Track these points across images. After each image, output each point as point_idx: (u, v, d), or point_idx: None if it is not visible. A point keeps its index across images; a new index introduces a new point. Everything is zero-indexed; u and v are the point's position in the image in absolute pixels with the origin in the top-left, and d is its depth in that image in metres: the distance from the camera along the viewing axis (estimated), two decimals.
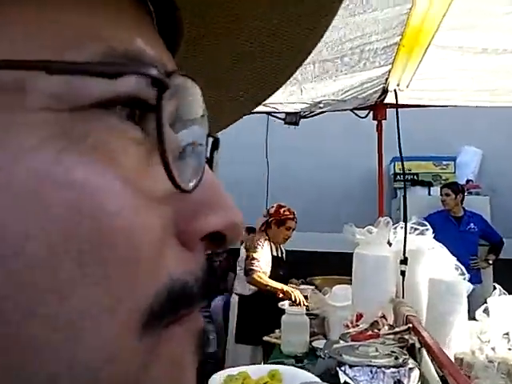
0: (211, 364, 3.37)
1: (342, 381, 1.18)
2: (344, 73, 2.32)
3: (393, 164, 4.76)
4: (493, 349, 1.44)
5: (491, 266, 4.12)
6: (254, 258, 3.00)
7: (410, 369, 1.20)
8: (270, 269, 3.09)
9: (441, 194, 4.13)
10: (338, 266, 3.60)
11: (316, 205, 5.09)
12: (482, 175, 4.93)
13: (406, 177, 4.41)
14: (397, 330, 1.53)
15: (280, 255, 3.30)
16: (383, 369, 1.19)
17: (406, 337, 1.44)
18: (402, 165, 2.35)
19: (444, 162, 4.77)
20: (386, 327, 1.64)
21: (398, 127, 2.28)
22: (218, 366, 2.75)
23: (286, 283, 3.06)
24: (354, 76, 2.38)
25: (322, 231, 4.93)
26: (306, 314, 2.27)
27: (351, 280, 2.07)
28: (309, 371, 1.74)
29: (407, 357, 1.26)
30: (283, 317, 2.23)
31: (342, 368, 1.21)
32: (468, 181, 4.71)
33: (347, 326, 1.94)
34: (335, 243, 4.97)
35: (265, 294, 3.00)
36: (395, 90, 2.52)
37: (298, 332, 2.17)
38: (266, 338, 2.48)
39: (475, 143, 4.89)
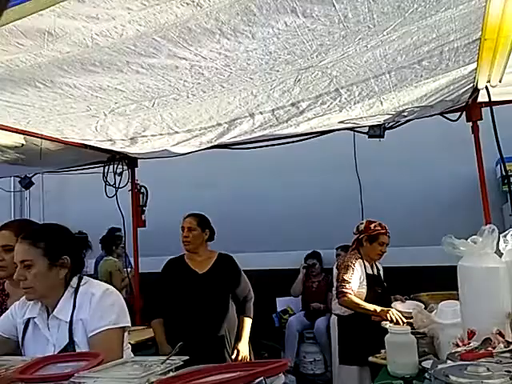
0: None
1: None
2: (425, 77, 2.22)
3: (499, 166, 4.33)
4: None
5: None
6: (344, 280, 2.93)
7: None
8: (365, 288, 2.99)
9: None
10: (443, 280, 3.36)
11: (413, 218, 4.82)
12: None
13: None
14: None
15: (376, 273, 3.18)
16: None
17: None
18: (503, 167, 2.15)
19: None
20: (502, 345, 1.48)
21: (494, 126, 2.11)
22: None
23: (385, 301, 2.92)
24: (437, 79, 2.27)
25: (422, 245, 4.64)
26: (413, 333, 2.13)
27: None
28: None
29: None
30: (387, 336, 2.12)
31: None
32: None
33: (457, 344, 1.80)
34: (437, 257, 4.65)
35: (361, 314, 2.89)
36: (487, 87, 2.34)
37: (404, 352, 2.04)
38: (371, 359, 2.37)
39: None
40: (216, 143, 2.88)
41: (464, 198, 4.48)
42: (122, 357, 1.46)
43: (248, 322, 2.84)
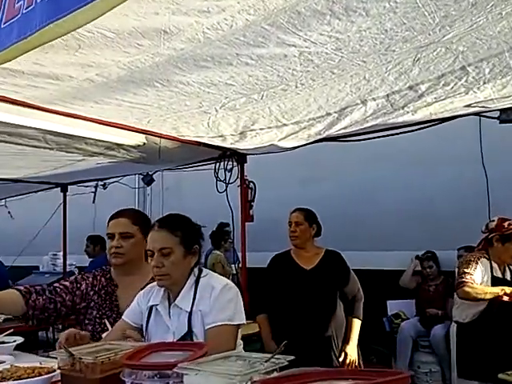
0: None
1: None
2: None
3: None
4: None
5: None
6: (464, 272, 2.66)
7: None
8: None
9: None
10: None
11: None
12: None
13: None
14: None
15: (509, 278, 2.79)
16: None
17: None
18: None
19: None
20: None
21: None
22: None
23: None
24: None
25: None
26: None
27: None
28: None
29: None
30: None
31: None
32: None
33: None
34: None
35: (486, 321, 2.61)
36: None
37: None
38: (502, 376, 2.09)
39: None
40: (325, 135, 2.78)
41: None
42: None
43: (357, 324, 2.70)
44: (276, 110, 2.31)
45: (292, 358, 1.06)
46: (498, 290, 2.60)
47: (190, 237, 1.63)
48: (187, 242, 1.60)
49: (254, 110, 2.31)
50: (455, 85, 2.11)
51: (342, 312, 2.71)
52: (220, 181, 3.92)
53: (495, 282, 2.71)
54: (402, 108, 2.40)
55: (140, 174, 4.99)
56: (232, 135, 2.82)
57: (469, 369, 2.74)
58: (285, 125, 2.53)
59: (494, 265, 2.76)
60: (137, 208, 7.95)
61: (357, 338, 2.70)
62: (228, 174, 3.95)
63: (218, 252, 5.04)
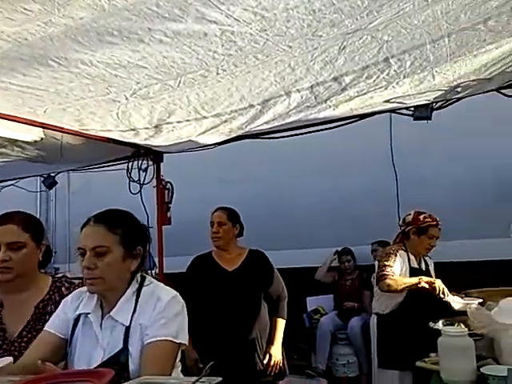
0: None
1: None
2: (488, 42, 1.92)
3: None
4: None
5: None
6: (385, 265, 2.69)
7: None
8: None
9: None
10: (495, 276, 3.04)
11: (457, 211, 4.46)
12: None
13: None
14: None
15: (424, 268, 2.89)
16: None
17: None
18: None
19: None
20: None
21: None
22: None
23: (433, 300, 2.64)
24: (501, 44, 1.97)
25: (467, 238, 4.28)
26: (469, 335, 1.86)
27: None
28: None
29: None
30: (440, 339, 1.88)
31: None
32: None
33: None
34: (487, 250, 4.28)
35: (405, 312, 2.67)
36: None
37: (462, 357, 1.79)
38: (419, 364, 2.10)
39: None
40: (247, 129, 2.64)
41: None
42: (171, 375, 1.25)
43: (281, 324, 2.63)
44: (195, 100, 2.10)
45: (219, 380, 0.87)
46: (416, 279, 2.66)
47: (132, 236, 1.38)
48: (128, 242, 1.36)
49: (171, 100, 2.08)
50: (377, 78, 2.09)
51: (267, 313, 2.63)
52: (133, 181, 3.61)
53: (413, 272, 2.78)
54: (325, 101, 2.33)
55: (40, 175, 4.42)
56: (146, 129, 2.55)
57: (389, 359, 2.79)
58: (205, 117, 2.33)
59: (411, 256, 2.84)
60: (38, 215, 7.14)
61: (281, 338, 2.63)
62: (143, 174, 3.66)
63: None
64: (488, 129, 4.22)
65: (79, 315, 1.38)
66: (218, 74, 1.85)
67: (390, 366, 2.79)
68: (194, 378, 0.85)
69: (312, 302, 4.85)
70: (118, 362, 1.25)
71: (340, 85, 2.09)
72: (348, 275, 4.67)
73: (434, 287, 2.60)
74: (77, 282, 1.63)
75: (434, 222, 2.82)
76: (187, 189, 4.36)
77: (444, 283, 2.73)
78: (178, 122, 2.39)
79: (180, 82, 1.89)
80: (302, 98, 2.19)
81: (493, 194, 4.40)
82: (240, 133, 2.73)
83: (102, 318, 1.36)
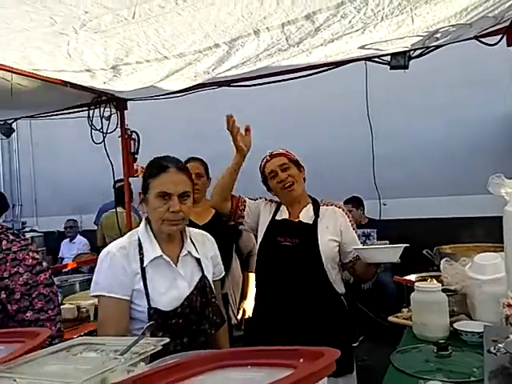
0: None
1: None
2: None
3: None
4: None
5: None
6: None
7: None
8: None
9: None
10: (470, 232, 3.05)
11: (437, 167, 4.44)
12: None
13: None
14: None
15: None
16: None
17: None
18: None
19: None
20: None
21: None
22: None
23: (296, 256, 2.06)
24: None
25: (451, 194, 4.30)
26: (442, 290, 1.85)
27: (498, 247, 1.61)
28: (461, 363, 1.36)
29: None
30: (413, 294, 1.87)
31: None
32: None
33: (508, 305, 1.50)
34: (470, 207, 4.31)
35: None
36: None
37: (435, 313, 1.79)
38: (392, 319, 2.09)
39: None
40: (214, 74, 2.45)
41: (495, 143, 4.08)
42: None
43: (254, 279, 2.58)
44: (154, 36, 1.89)
45: (167, 340, 0.78)
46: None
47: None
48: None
49: (126, 35, 1.87)
50: (353, 18, 1.93)
51: (239, 267, 2.59)
52: (96, 130, 3.39)
53: (274, 223, 2.14)
54: (298, 45, 2.16)
55: None
56: (103, 70, 2.32)
57: None
58: (166, 57, 2.13)
59: (286, 209, 2.22)
60: (1, 166, 6.79)
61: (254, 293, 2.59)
62: (106, 123, 3.44)
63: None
64: (466, 81, 4.14)
65: (154, 259, 1.47)
66: (177, 4, 1.65)
67: None
68: (130, 339, 0.75)
69: None
70: (204, 288, 1.52)
71: (313, 24, 1.91)
72: None
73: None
74: (28, 235, 1.49)
75: (269, 158, 2.12)
76: (155, 140, 4.17)
77: (420, 239, 2.65)
78: (138, 62, 2.18)
79: (135, 13, 1.68)
80: (272, 38, 2.01)
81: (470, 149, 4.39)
82: (207, 78, 2.54)
83: (177, 256, 1.52)
